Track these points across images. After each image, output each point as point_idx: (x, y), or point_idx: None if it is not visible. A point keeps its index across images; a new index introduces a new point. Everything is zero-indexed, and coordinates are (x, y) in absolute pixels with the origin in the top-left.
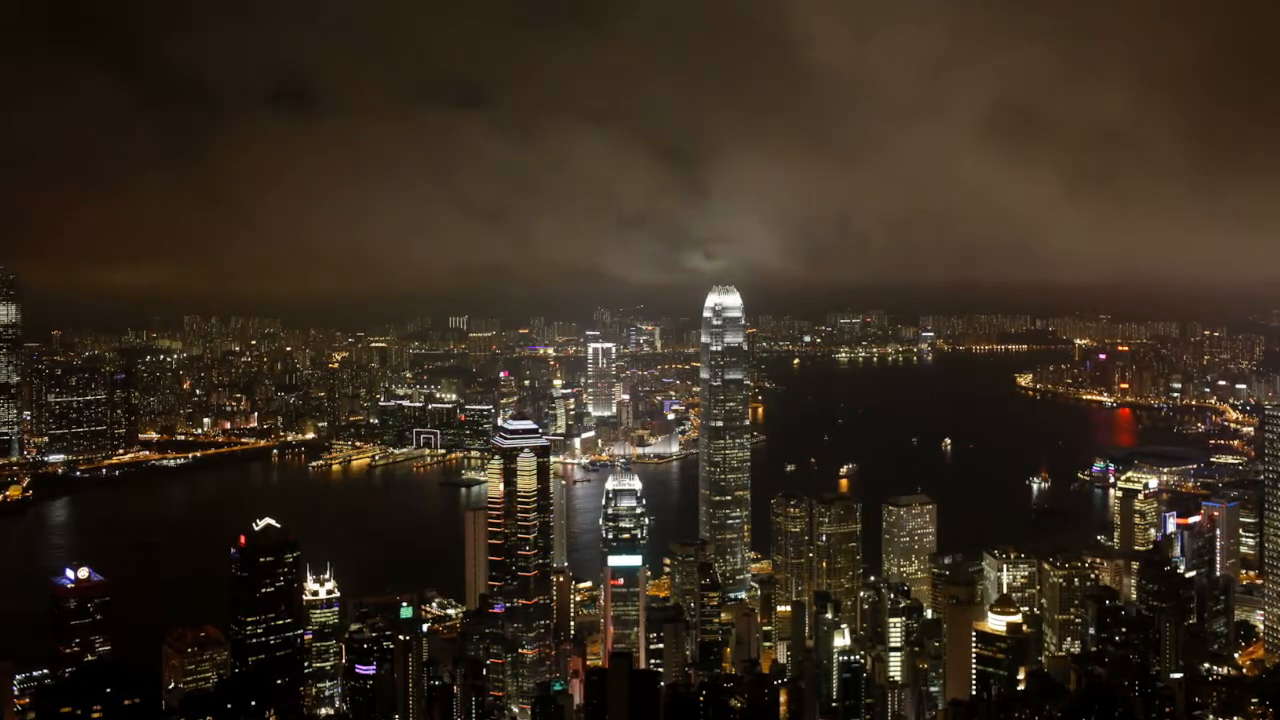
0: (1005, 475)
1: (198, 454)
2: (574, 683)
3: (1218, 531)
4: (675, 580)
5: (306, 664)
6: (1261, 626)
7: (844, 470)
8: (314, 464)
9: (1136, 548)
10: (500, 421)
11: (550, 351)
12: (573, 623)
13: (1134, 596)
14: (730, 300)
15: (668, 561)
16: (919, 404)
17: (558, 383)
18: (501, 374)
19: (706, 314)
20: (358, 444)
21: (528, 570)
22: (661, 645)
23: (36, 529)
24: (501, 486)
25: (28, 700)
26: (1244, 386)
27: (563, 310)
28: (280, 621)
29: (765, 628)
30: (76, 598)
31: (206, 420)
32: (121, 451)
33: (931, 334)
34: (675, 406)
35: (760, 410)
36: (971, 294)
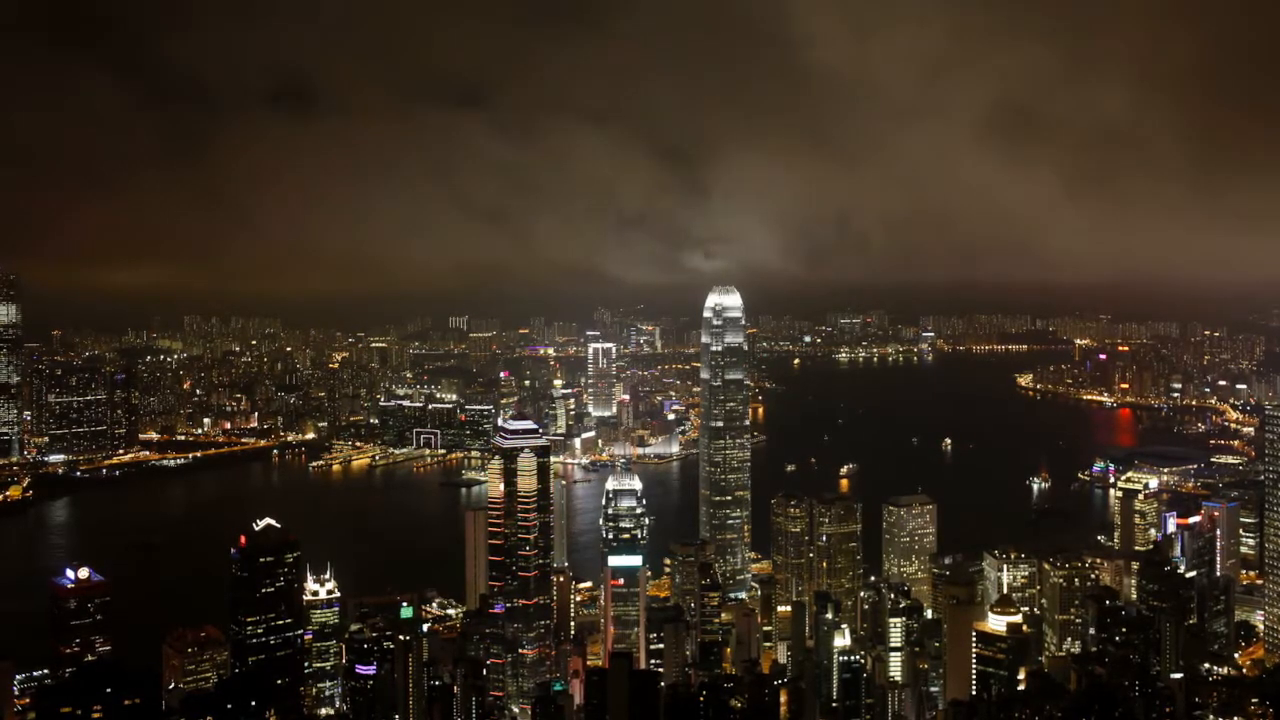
0: (1005, 475)
1: (198, 454)
2: (574, 683)
3: (1218, 531)
4: (675, 580)
5: (307, 664)
6: (1261, 627)
7: (845, 470)
8: (314, 464)
9: (1137, 548)
10: (500, 421)
11: (550, 351)
12: (573, 623)
13: (1134, 596)
14: (730, 300)
15: (668, 561)
16: (919, 404)
17: (558, 383)
18: (502, 374)
19: (707, 314)
20: (358, 444)
21: (528, 570)
22: (662, 645)
23: (36, 529)
24: (502, 486)
25: (28, 700)
26: (1244, 386)
27: (563, 310)
28: (280, 621)
29: (765, 628)
30: (76, 598)
31: (207, 420)
32: (122, 451)
33: (932, 334)
34: (675, 406)
35: (760, 410)
36: (971, 294)
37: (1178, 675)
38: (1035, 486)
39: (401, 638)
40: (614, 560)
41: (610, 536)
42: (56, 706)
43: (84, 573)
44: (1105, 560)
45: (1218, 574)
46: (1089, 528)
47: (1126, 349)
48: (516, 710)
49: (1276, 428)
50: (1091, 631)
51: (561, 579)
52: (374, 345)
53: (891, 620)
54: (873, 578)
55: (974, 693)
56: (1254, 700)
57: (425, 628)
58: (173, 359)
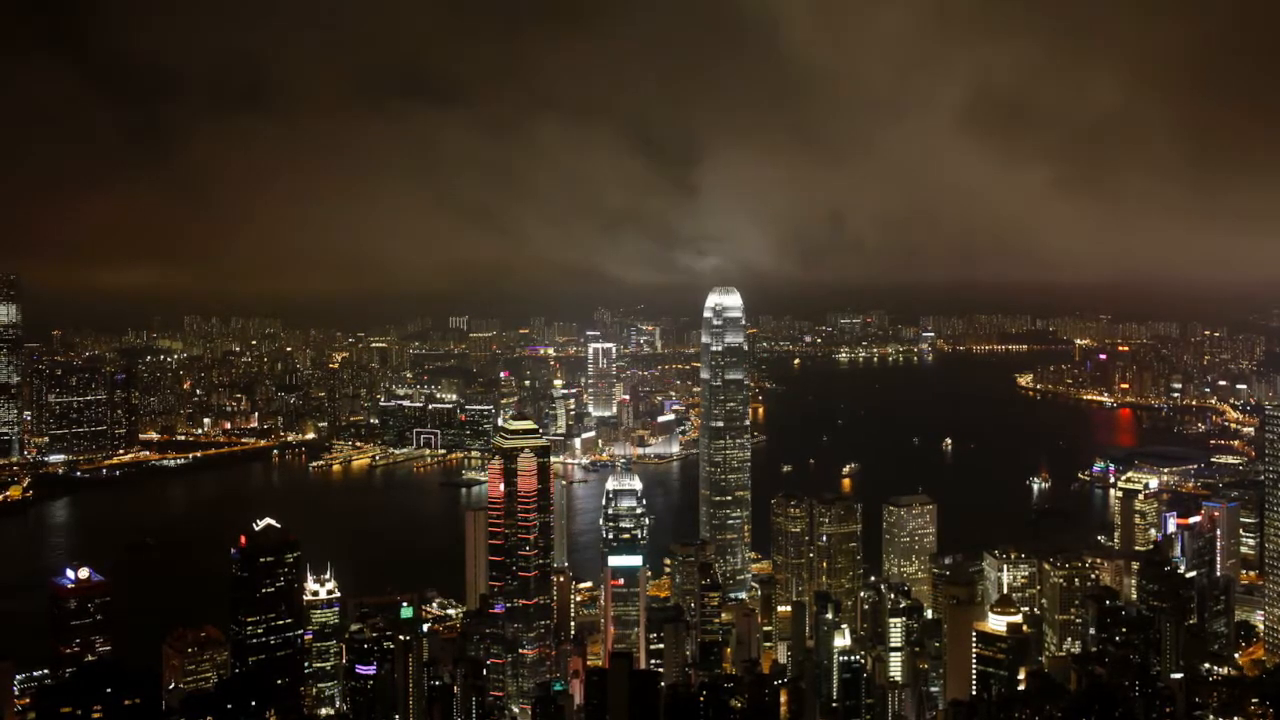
0: (1006, 475)
1: (198, 454)
2: (574, 683)
3: (1218, 532)
4: (675, 580)
5: (307, 664)
6: (1262, 627)
7: (846, 470)
8: (314, 464)
9: (1137, 548)
10: (500, 421)
11: (550, 351)
12: (573, 623)
13: (1134, 596)
14: (731, 300)
15: (668, 562)
16: (919, 404)
17: (558, 383)
18: (502, 374)
19: (707, 314)
20: (358, 444)
21: (528, 570)
22: (662, 645)
23: (36, 529)
24: (502, 486)
25: (28, 700)
26: (1244, 387)
27: (563, 310)
28: (280, 621)
29: (765, 628)
30: (77, 598)
31: (207, 420)
32: (122, 452)
33: (932, 334)
34: (675, 407)
35: (760, 410)
36: (971, 294)
37: (1178, 675)
38: (1035, 486)
39: (401, 638)
40: (614, 560)
41: (610, 536)
42: (56, 706)
43: (84, 573)
44: (1105, 560)
45: (1218, 574)
46: (1089, 528)
47: (1126, 349)
48: (516, 710)
49: (1276, 428)
50: (1091, 631)
51: (561, 579)
52: (374, 345)
53: (891, 620)
54: (873, 578)
55: (974, 693)
56: (1254, 700)
57: (425, 628)
58: (173, 359)
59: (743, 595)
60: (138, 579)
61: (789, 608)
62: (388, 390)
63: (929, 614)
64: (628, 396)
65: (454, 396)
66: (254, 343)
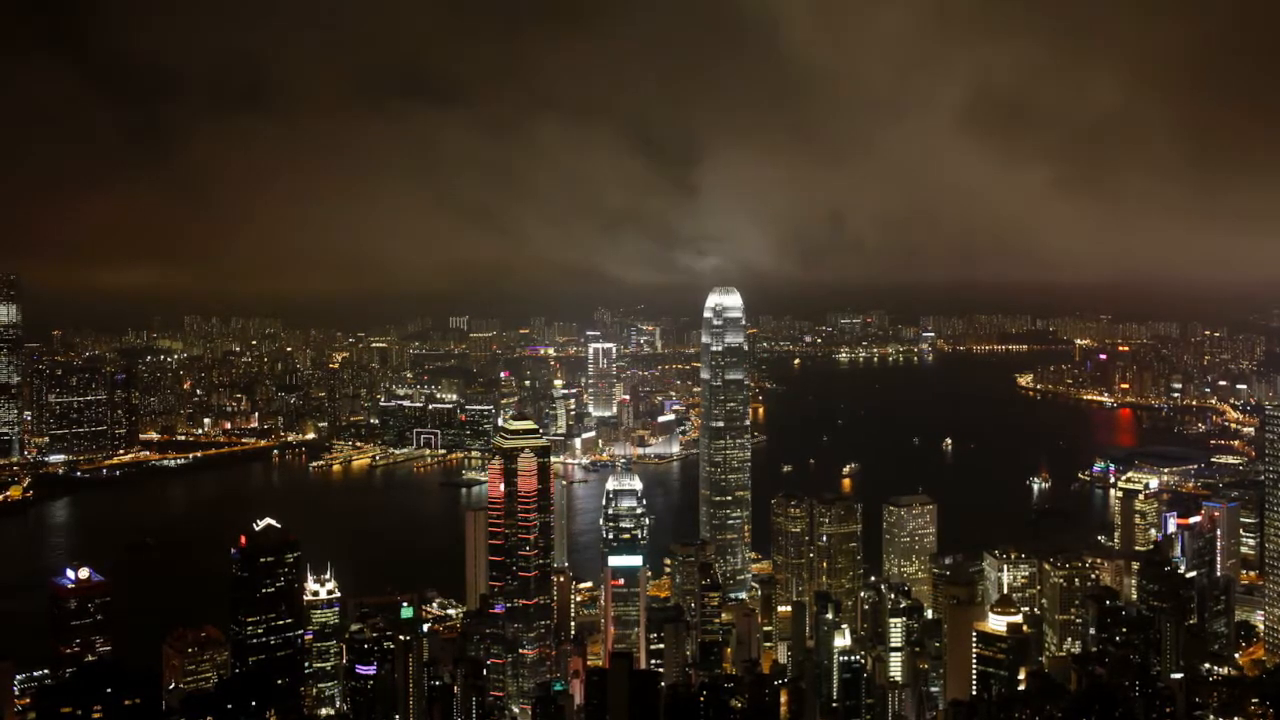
0: (1006, 475)
1: (198, 454)
2: (574, 683)
3: (1218, 532)
4: (676, 580)
5: (307, 664)
6: (1262, 627)
7: (846, 470)
8: (314, 464)
9: (1137, 548)
10: (500, 422)
11: (551, 351)
12: (573, 623)
13: (1134, 597)
14: (731, 301)
15: (668, 562)
16: (919, 404)
17: (558, 383)
18: (502, 374)
19: (707, 314)
20: (358, 444)
21: (528, 570)
22: (662, 645)
23: (36, 529)
24: (502, 487)
25: (28, 700)
26: (1244, 387)
27: (563, 310)
28: (281, 621)
29: (766, 628)
30: (77, 598)
31: (207, 420)
32: (122, 452)
33: (932, 334)
34: (676, 407)
35: (761, 410)
36: (971, 294)
37: (1178, 675)
38: (1035, 486)
39: (402, 638)
40: (614, 560)
41: (610, 536)
42: (56, 706)
43: (84, 573)
44: (1105, 560)
45: (1218, 574)
46: (1089, 528)
47: (1126, 349)
48: (516, 710)
49: (1276, 428)
50: (1091, 631)
51: (562, 579)
52: (374, 345)
53: (892, 620)
54: (873, 578)
55: (974, 693)
56: (1254, 700)
57: (425, 628)
58: (173, 359)
59: (743, 595)
60: (138, 579)
61: (789, 608)
62: (388, 390)
63: (929, 614)
64: (628, 396)
65: (454, 396)
66: (254, 343)
